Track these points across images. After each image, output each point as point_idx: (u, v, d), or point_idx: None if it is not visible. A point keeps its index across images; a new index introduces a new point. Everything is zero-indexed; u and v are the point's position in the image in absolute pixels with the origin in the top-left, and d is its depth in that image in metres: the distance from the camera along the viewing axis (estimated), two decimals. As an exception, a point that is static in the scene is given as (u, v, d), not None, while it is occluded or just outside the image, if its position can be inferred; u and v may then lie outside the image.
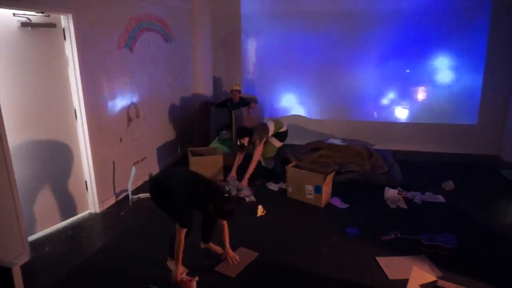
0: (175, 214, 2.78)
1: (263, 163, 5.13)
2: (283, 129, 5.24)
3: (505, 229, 3.71)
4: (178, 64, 5.96)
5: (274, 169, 5.30)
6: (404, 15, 6.11)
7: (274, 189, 4.76)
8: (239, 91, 6.22)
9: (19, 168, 3.24)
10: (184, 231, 2.71)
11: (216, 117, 6.76)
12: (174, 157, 5.97)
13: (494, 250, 3.33)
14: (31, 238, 3.42)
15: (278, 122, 5.23)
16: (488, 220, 3.90)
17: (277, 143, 5.21)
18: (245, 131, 4.78)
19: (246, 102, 6.27)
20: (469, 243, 3.40)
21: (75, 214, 3.97)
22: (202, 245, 3.33)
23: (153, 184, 3.02)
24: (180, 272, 2.79)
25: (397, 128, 6.58)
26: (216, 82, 7.10)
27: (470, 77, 6.10)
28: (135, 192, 4.57)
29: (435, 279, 2.87)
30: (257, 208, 4.03)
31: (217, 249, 3.27)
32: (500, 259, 3.18)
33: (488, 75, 6.00)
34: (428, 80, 6.30)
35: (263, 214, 4.04)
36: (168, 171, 3.14)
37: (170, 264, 2.98)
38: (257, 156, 4.87)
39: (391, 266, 3.07)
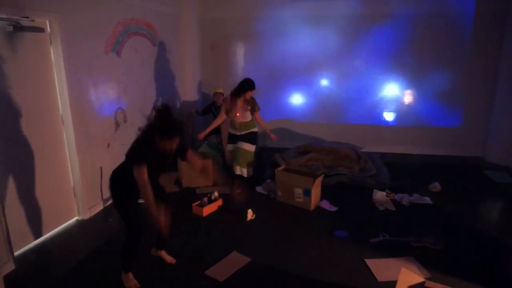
0: (131, 155, 2.62)
1: (237, 172, 4.69)
2: (255, 129, 4.80)
3: (491, 229, 3.77)
4: (166, 68, 5.94)
5: (252, 178, 4.86)
6: (391, 20, 6.19)
7: (263, 192, 4.77)
8: (223, 94, 6.17)
9: (3, 176, 3.18)
10: (145, 167, 2.50)
11: (205, 121, 6.73)
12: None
13: (480, 250, 3.39)
14: (18, 247, 3.34)
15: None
16: (474, 220, 3.97)
17: (249, 147, 4.70)
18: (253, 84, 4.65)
19: None
20: (456, 244, 3.46)
21: (62, 221, 3.90)
22: (153, 252, 3.17)
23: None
24: (163, 218, 2.59)
25: (385, 131, 6.66)
26: (205, 85, 7.10)
27: (454, 80, 6.22)
28: (123, 197, 4.52)
29: (423, 280, 2.89)
30: (246, 212, 4.03)
31: (169, 258, 3.14)
32: (487, 259, 3.23)
33: (470, 78, 6.13)
34: (414, 83, 6.39)
35: (252, 218, 4.04)
36: None
37: (124, 278, 2.84)
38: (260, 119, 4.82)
39: (380, 268, 3.10)
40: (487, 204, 4.49)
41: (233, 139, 4.80)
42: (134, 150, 2.63)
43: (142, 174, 2.51)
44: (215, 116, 6.01)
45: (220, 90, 6.09)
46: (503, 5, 5.70)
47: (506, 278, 2.95)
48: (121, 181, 2.70)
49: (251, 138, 4.74)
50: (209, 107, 6.22)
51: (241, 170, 4.69)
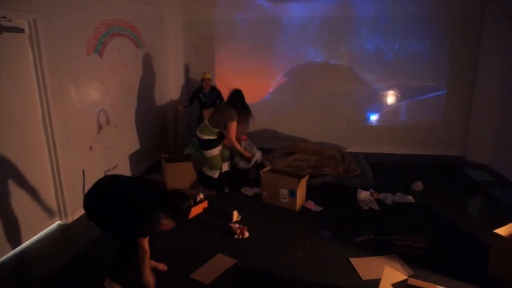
0: (136, 224, 2.58)
1: (225, 169, 4.82)
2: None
3: (472, 226, 3.86)
4: (149, 70, 5.88)
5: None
6: (375, 22, 6.28)
7: (249, 194, 4.76)
8: (211, 79, 5.92)
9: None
10: (147, 239, 2.61)
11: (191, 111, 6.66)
12: (146, 164, 5.86)
13: (462, 247, 3.46)
14: (-6, 252, 3.26)
15: None
16: (455, 218, 4.05)
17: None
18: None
19: (218, 94, 5.97)
20: (438, 242, 3.52)
21: (44, 226, 3.81)
22: None
23: (94, 197, 2.69)
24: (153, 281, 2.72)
25: (368, 131, 6.75)
26: (189, 87, 7.05)
27: (435, 80, 6.35)
28: (106, 201, 4.44)
29: (406, 277, 2.95)
30: (232, 214, 4.02)
31: (161, 266, 3.10)
32: (468, 256, 3.31)
33: (450, 78, 6.27)
34: (395, 84, 6.50)
35: (238, 219, 4.03)
36: (107, 182, 2.81)
37: (109, 285, 2.78)
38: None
39: (365, 266, 3.13)
40: (467, 202, 4.59)
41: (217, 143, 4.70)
42: (141, 219, 2.58)
43: (146, 245, 2.62)
44: (202, 102, 5.88)
45: (208, 76, 5.86)
46: (481, 6, 5.86)
47: (485, 274, 3.03)
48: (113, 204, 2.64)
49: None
50: (196, 93, 5.96)
51: (228, 167, 4.86)
